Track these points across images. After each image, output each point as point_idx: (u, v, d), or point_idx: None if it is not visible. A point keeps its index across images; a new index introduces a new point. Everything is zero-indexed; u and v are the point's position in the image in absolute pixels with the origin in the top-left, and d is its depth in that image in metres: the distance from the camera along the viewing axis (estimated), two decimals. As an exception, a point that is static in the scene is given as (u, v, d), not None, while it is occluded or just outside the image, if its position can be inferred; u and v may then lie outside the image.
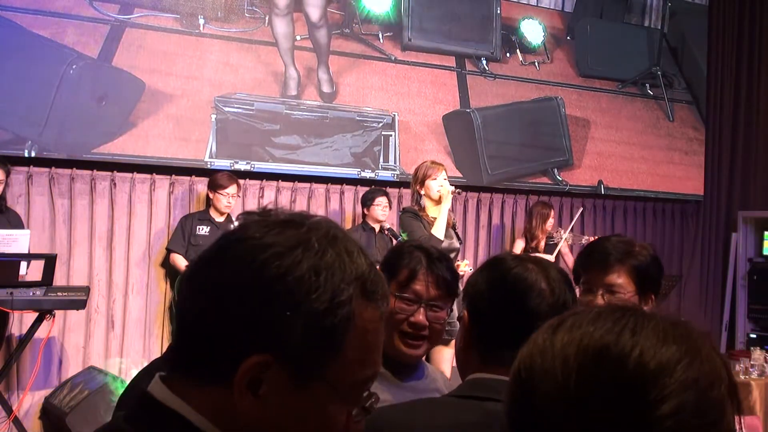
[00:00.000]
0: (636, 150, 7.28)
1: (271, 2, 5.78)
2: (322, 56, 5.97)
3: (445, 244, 4.68)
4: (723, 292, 7.45)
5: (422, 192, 4.67)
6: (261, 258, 0.80)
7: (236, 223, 0.86)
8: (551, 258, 5.84)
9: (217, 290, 0.82)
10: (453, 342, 4.36)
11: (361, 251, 0.86)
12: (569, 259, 6.11)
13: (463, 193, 6.45)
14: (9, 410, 4.32)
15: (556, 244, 5.96)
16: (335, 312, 0.81)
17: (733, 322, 7.23)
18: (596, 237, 6.10)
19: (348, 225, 5.96)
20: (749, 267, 7.18)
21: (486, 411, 1.29)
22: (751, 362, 4.79)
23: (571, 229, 6.14)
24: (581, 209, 6.25)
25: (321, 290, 0.80)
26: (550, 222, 6.07)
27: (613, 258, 2.01)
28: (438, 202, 4.63)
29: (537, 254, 5.96)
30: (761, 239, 7.20)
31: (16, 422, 4.29)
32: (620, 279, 2.00)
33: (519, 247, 6.07)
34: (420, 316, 1.82)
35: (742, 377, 4.72)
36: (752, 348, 5.16)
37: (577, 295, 2.08)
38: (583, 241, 6.01)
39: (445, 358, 4.40)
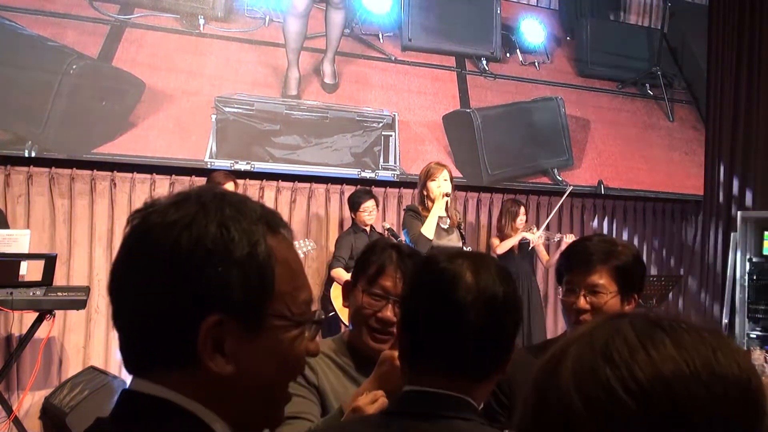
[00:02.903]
0: (636, 150, 7.28)
1: (290, 2, 5.78)
2: (332, 41, 5.96)
3: (448, 244, 4.70)
4: (723, 292, 7.45)
5: (424, 192, 4.72)
6: (172, 236, 0.85)
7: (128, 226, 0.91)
8: (533, 236, 5.86)
9: (146, 283, 0.85)
10: None
11: (249, 199, 0.93)
12: (543, 257, 6.10)
13: (461, 193, 6.45)
14: (9, 410, 4.32)
15: (529, 243, 5.94)
16: (256, 252, 0.87)
17: (733, 322, 7.22)
18: (570, 235, 6.13)
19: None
20: (749, 267, 7.18)
21: (406, 431, 1.26)
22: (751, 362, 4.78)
23: (546, 227, 6.12)
24: (570, 188, 6.23)
25: (236, 239, 0.86)
26: (521, 219, 6.01)
27: (596, 259, 2.00)
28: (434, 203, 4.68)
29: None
30: (761, 239, 7.20)
31: (16, 422, 4.29)
32: (602, 280, 1.99)
33: (495, 245, 6.02)
34: (388, 312, 1.81)
35: (742, 377, 4.72)
36: (752, 348, 5.15)
37: (560, 295, 2.09)
38: (557, 239, 6.01)
39: None
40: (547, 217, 6.40)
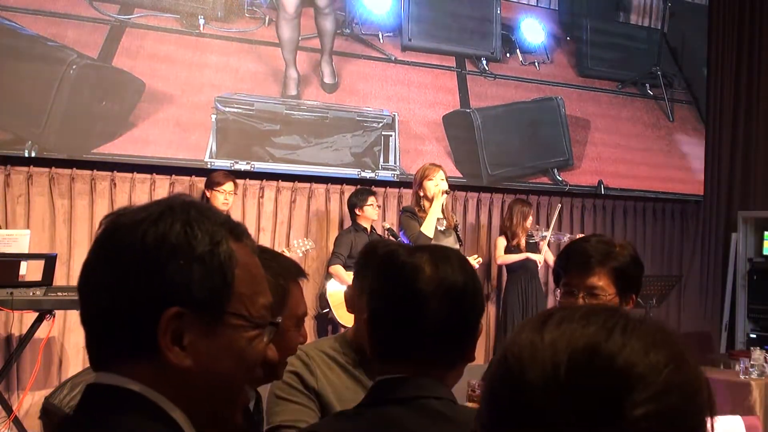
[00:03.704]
0: (636, 150, 7.28)
1: (279, 6, 5.78)
2: (326, 45, 5.97)
3: (444, 245, 4.69)
4: (723, 292, 7.45)
5: (421, 193, 4.73)
6: (139, 232, 0.90)
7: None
8: (539, 257, 5.85)
9: (111, 277, 0.90)
10: None
11: (215, 208, 0.98)
12: (551, 258, 6.09)
13: (461, 193, 6.46)
14: (9, 410, 4.32)
15: (537, 243, 5.94)
16: (218, 250, 0.91)
17: (733, 322, 7.22)
18: (576, 236, 6.12)
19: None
20: (749, 267, 7.18)
21: (380, 417, 1.30)
22: (751, 362, 4.78)
23: (552, 227, 6.13)
24: (559, 206, 6.23)
25: (199, 236, 0.91)
26: (530, 220, 6.05)
27: (594, 260, 1.98)
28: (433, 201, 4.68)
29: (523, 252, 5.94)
30: (761, 239, 7.21)
31: (16, 422, 4.29)
32: (601, 281, 1.98)
33: (501, 245, 6.00)
34: None
35: (742, 377, 4.72)
36: (752, 348, 5.16)
37: (557, 296, 2.08)
38: (566, 239, 5.99)
39: None
40: (547, 217, 6.39)
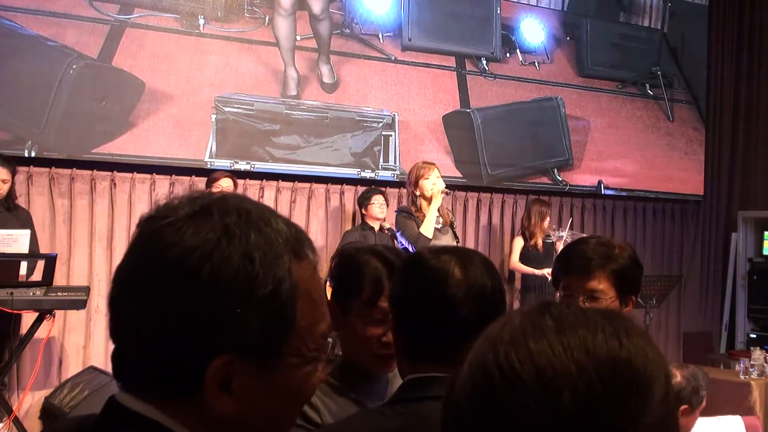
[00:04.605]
0: (636, 150, 7.28)
1: (275, 3, 5.78)
2: (323, 47, 5.98)
3: (442, 243, 4.69)
4: (723, 292, 7.45)
5: (417, 192, 4.71)
6: (191, 264, 0.77)
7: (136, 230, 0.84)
8: (548, 270, 5.85)
9: (159, 309, 0.78)
10: None
11: (274, 214, 0.85)
12: None
13: (461, 193, 6.46)
14: (9, 410, 4.32)
15: (554, 243, 5.95)
16: (280, 289, 0.80)
17: (733, 322, 7.23)
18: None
19: (348, 225, 5.97)
20: (749, 267, 7.18)
21: (413, 413, 1.29)
22: (751, 362, 4.78)
23: (570, 228, 6.14)
24: (570, 220, 6.25)
25: (261, 274, 0.79)
26: (548, 221, 6.08)
27: (594, 263, 1.97)
28: (431, 201, 4.66)
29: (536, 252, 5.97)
30: (761, 239, 7.21)
31: (16, 422, 4.29)
32: (601, 285, 1.96)
33: (518, 245, 6.05)
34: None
35: (742, 377, 4.72)
36: (752, 348, 5.16)
37: (557, 299, 2.07)
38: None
39: None
40: (558, 217, 6.37)
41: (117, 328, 0.83)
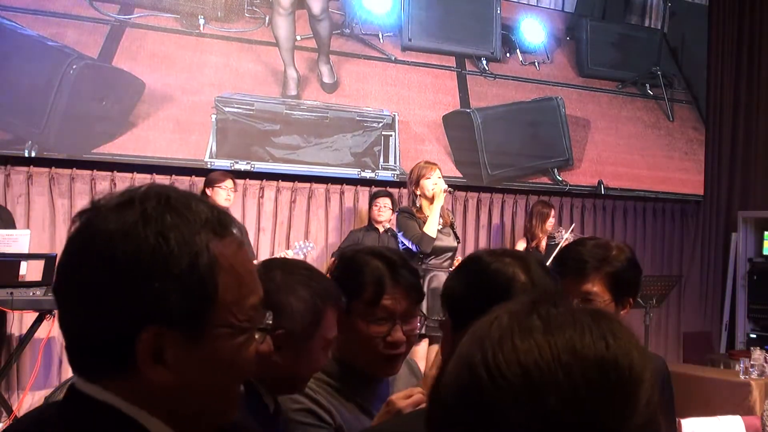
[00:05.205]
0: (636, 150, 7.28)
1: (274, 2, 5.78)
2: (323, 47, 5.98)
3: (443, 244, 4.69)
4: (723, 292, 7.45)
5: (418, 192, 4.71)
6: (111, 247, 0.84)
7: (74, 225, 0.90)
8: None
9: (87, 292, 0.85)
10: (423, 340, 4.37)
11: (196, 199, 0.90)
12: None
13: (461, 193, 6.46)
14: (9, 410, 4.32)
15: (557, 244, 5.94)
16: (197, 263, 0.85)
17: (733, 322, 7.22)
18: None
19: (348, 225, 5.97)
20: (749, 267, 7.18)
21: None
22: (751, 362, 4.78)
23: (572, 229, 6.13)
24: (572, 225, 6.24)
25: (176, 251, 0.84)
26: (551, 222, 6.06)
27: (590, 266, 1.94)
28: (433, 201, 4.66)
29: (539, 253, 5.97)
30: (761, 239, 7.20)
31: (16, 422, 4.28)
32: (596, 287, 1.94)
33: (521, 247, 6.05)
34: (399, 333, 1.67)
35: (742, 377, 4.72)
36: (752, 348, 5.15)
37: None
38: None
39: (419, 356, 4.33)
40: (571, 220, 6.37)
41: (61, 317, 0.89)
